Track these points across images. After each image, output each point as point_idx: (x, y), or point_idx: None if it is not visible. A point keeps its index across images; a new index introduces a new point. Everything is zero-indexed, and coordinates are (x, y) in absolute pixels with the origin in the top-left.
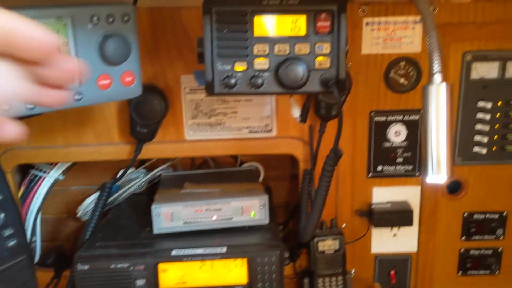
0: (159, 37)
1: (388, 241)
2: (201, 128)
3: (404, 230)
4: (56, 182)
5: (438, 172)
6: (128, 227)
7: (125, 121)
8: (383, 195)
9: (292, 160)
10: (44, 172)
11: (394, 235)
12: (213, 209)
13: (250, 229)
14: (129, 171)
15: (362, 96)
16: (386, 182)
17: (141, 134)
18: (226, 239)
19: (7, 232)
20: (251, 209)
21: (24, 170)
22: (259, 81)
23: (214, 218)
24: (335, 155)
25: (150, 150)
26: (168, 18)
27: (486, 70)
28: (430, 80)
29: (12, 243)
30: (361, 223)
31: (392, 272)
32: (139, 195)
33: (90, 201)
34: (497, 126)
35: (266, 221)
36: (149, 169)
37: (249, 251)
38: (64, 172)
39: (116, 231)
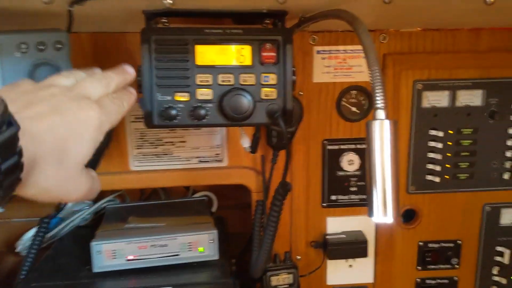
0: (102, 63)
1: (344, 272)
2: (148, 158)
3: (360, 261)
4: None
5: (384, 213)
6: (67, 265)
7: None
8: (338, 225)
9: (246, 189)
10: None
11: (350, 266)
12: (158, 245)
13: (199, 265)
14: (72, 203)
15: (314, 125)
16: (341, 212)
17: None
18: (172, 277)
19: None
20: (199, 245)
21: None
22: (202, 112)
23: (160, 255)
24: (283, 189)
25: None
26: (112, 44)
27: (437, 99)
28: (373, 116)
29: None
30: (316, 254)
31: None
32: (83, 228)
33: (30, 235)
34: (449, 154)
35: (216, 257)
36: (95, 199)
37: None
38: (3, 205)
39: (54, 269)
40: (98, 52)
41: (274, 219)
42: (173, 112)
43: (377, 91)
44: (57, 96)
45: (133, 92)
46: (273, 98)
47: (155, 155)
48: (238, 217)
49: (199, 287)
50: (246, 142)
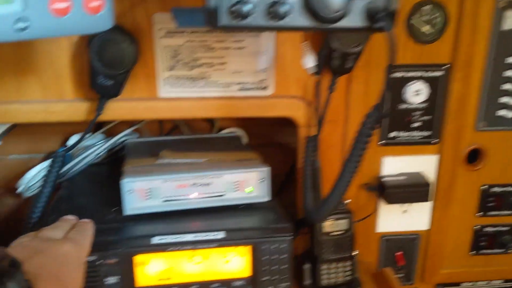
0: None
1: (397, 219)
2: (180, 83)
3: (416, 206)
4: None
5: None
6: (88, 207)
7: (81, 70)
8: (394, 166)
9: (279, 125)
10: None
11: (405, 211)
12: (200, 183)
13: (247, 208)
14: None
15: (378, 47)
16: (398, 151)
17: (105, 87)
18: (221, 221)
19: None
20: (247, 184)
21: None
22: (283, 9)
23: (202, 195)
24: (380, 114)
25: (113, 110)
26: None
27: None
28: None
29: None
30: (367, 199)
31: (399, 254)
32: (96, 166)
33: (34, 173)
34: None
35: (266, 198)
36: (107, 134)
37: (254, 236)
38: (1, 137)
39: (73, 212)
40: None
41: (360, 153)
42: (246, 8)
43: None
44: (30, 243)
45: (88, 221)
46: None
47: (190, 78)
48: (264, 158)
49: (257, 232)
50: (310, 61)
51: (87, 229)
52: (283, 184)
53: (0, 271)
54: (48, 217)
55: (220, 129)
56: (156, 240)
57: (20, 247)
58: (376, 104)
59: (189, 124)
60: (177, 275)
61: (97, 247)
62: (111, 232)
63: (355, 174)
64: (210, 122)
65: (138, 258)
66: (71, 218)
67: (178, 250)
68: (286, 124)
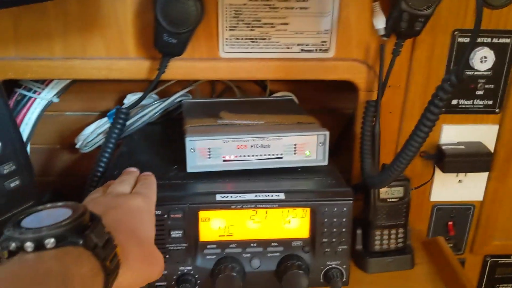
0: None
1: (451, 188)
2: (241, 43)
3: (471, 176)
4: (49, 105)
5: None
6: (149, 164)
7: (143, 28)
8: (454, 134)
9: (328, 90)
10: (35, 92)
11: (460, 181)
12: (260, 145)
13: (305, 171)
14: (137, 96)
15: (445, 10)
16: (459, 119)
17: (169, 45)
18: (280, 183)
19: (7, 168)
20: (306, 147)
21: (9, 88)
22: None
23: (261, 156)
24: (458, 78)
25: (174, 69)
26: None
27: None
28: None
29: (14, 184)
30: (423, 166)
31: (450, 223)
32: (151, 125)
33: (92, 130)
34: None
35: (324, 162)
36: (164, 95)
37: (314, 199)
38: (59, 94)
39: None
40: None
41: (434, 118)
42: None
43: None
44: (103, 199)
45: (150, 173)
46: None
47: (251, 39)
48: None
49: (316, 195)
50: (380, 22)
51: (152, 182)
52: (333, 149)
53: (83, 224)
54: (112, 172)
55: (271, 93)
56: (219, 197)
57: (94, 203)
58: (456, 67)
59: (240, 86)
60: (237, 232)
61: (163, 201)
62: (176, 188)
63: (424, 141)
64: (261, 85)
65: (203, 214)
66: (134, 170)
67: (240, 208)
68: (337, 89)
